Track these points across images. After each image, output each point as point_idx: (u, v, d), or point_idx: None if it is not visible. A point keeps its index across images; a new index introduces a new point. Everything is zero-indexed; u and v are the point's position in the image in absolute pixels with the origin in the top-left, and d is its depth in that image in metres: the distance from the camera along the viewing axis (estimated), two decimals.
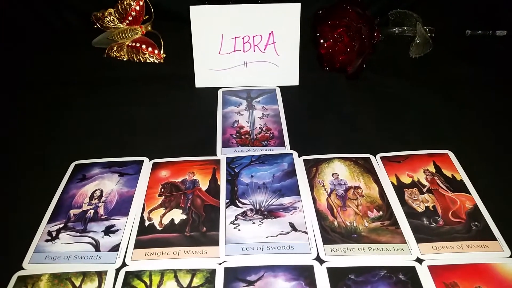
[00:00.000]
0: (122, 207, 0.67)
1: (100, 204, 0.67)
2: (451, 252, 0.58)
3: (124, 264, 0.59)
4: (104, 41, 1.08)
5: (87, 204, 0.67)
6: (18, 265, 0.59)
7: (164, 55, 1.04)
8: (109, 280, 0.57)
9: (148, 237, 0.62)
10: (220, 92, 0.93)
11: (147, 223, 0.64)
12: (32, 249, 0.61)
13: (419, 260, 0.58)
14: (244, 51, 0.93)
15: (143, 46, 1.04)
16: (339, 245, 0.60)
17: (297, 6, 0.88)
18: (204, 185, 0.70)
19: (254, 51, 0.93)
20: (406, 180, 0.70)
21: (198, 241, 0.61)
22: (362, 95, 0.92)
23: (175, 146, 0.79)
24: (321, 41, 0.97)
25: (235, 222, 0.64)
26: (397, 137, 0.79)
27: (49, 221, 0.65)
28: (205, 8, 0.90)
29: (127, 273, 0.57)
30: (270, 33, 0.91)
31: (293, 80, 0.95)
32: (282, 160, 0.74)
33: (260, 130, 0.82)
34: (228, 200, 0.67)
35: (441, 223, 0.63)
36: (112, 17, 1.06)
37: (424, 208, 0.65)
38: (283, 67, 0.94)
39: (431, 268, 0.56)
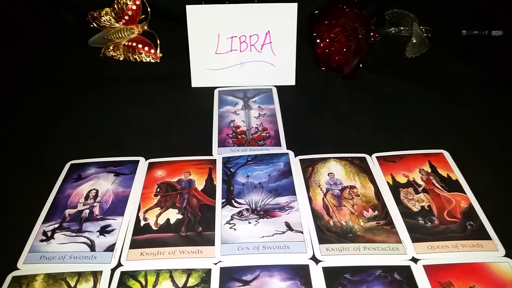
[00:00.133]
0: (118, 207, 0.67)
1: (95, 204, 0.67)
2: (446, 252, 0.59)
3: (119, 264, 0.59)
4: (100, 41, 1.08)
5: (82, 204, 0.67)
6: (13, 265, 0.59)
7: (161, 55, 1.04)
8: (105, 280, 0.56)
9: (143, 237, 0.62)
10: (216, 91, 0.93)
11: (142, 223, 0.64)
12: (27, 249, 0.61)
13: (414, 260, 0.58)
14: (240, 50, 0.93)
15: (140, 46, 1.04)
16: (335, 245, 0.60)
17: (294, 6, 0.88)
18: (200, 185, 0.70)
19: (250, 51, 0.93)
20: (402, 179, 0.70)
21: (193, 241, 0.61)
22: (359, 95, 0.92)
23: (171, 145, 0.79)
24: (318, 41, 0.97)
25: (231, 221, 0.64)
26: (393, 137, 0.80)
27: (44, 221, 0.65)
28: (202, 7, 0.90)
29: (122, 273, 0.57)
30: (266, 33, 0.91)
31: (290, 80, 0.95)
32: (278, 160, 0.74)
33: (256, 130, 0.82)
34: (224, 200, 0.67)
35: (436, 222, 0.63)
36: (108, 16, 1.05)
37: (419, 208, 0.65)
38: (279, 66, 0.94)
39: (426, 268, 0.57)
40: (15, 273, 0.58)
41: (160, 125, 0.85)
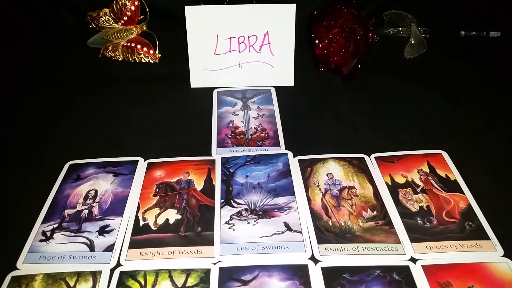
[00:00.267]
0: (117, 207, 0.67)
1: (94, 204, 0.67)
2: (445, 252, 0.59)
3: (118, 264, 0.59)
4: (99, 41, 1.08)
5: (81, 204, 0.67)
6: (12, 265, 0.59)
7: (159, 55, 1.04)
8: (104, 280, 0.56)
9: (142, 237, 0.62)
10: (215, 92, 0.93)
11: (141, 223, 0.64)
12: (26, 249, 0.61)
13: (413, 260, 0.58)
14: (239, 51, 0.93)
15: (138, 46, 1.04)
16: (334, 245, 0.60)
17: (292, 6, 0.88)
18: (199, 185, 0.70)
19: (249, 52, 0.93)
20: (400, 180, 0.70)
21: (192, 241, 0.61)
22: (357, 96, 0.92)
23: (170, 146, 0.79)
24: (316, 41, 0.97)
25: (230, 222, 0.64)
26: (392, 137, 0.80)
27: (44, 221, 0.65)
28: (201, 8, 0.90)
29: (121, 273, 0.57)
30: (265, 34, 0.91)
31: (288, 80, 0.95)
32: (277, 160, 0.74)
33: (255, 130, 0.82)
34: (223, 200, 0.67)
35: (435, 222, 0.63)
36: (107, 17, 1.05)
37: (418, 208, 0.65)
38: (278, 67, 0.94)
39: (425, 268, 0.57)
40: (14, 273, 0.58)
41: (159, 126, 0.85)
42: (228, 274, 0.56)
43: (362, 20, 0.93)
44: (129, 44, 1.05)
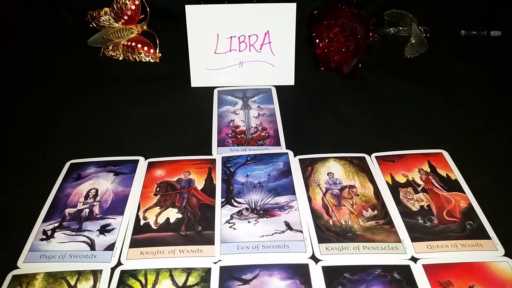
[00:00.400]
0: (117, 206, 0.67)
1: (95, 203, 0.67)
2: (445, 251, 0.59)
3: (119, 263, 0.59)
4: (99, 40, 1.08)
5: (82, 203, 0.67)
6: (13, 264, 0.59)
7: (160, 55, 1.04)
8: (104, 279, 0.56)
9: (143, 236, 0.62)
10: (215, 91, 0.93)
11: (142, 222, 0.64)
12: (27, 248, 0.61)
13: (414, 259, 0.58)
14: (239, 50, 0.93)
15: (139, 46, 1.04)
16: (334, 244, 0.60)
17: (293, 6, 0.88)
18: (199, 184, 0.70)
19: (249, 51, 0.93)
20: (401, 179, 0.70)
21: (193, 240, 0.61)
22: (358, 95, 0.92)
23: (170, 145, 0.79)
24: (317, 41, 0.97)
25: (231, 221, 0.64)
26: (392, 137, 0.80)
27: (44, 220, 0.65)
28: (201, 7, 0.90)
29: (122, 272, 0.57)
30: (265, 33, 0.91)
31: (289, 79, 0.95)
32: (278, 160, 0.74)
33: (255, 130, 0.82)
34: (223, 199, 0.67)
35: (435, 222, 0.63)
36: (107, 16, 1.05)
37: (418, 207, 0.65)
38: (278, 66, 0.94)
39: (426, 267, 0.57)
40: (15, 272, 0.58)
41: (160, 125, 0.85)
42: (228, 273, 0.57)
43: (363, 20, 0.93)
44: (129, 43, 1.05)
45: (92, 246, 0.61)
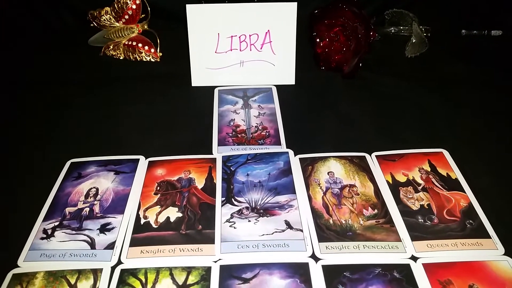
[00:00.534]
0: (118, 205, 0.67)
1: (95, 202, 0.67)
2: (445, 250, 0.59)
3: (119, 262, 0.59)
4: (100, 40, 1.08)
5: (82, 202, 0.67)
6: (13, 262, 0.59)
7: (161, 54, 1.04)
8: (105, 277, 0.57)
9: (143, 235, 0.62)
10: (216, 90, 0.93)
11: (142, 221, 0.64)
12: (28, 247, 0.61)
13: (414, 258, 0.58)
14: (240, 50, 0.93)
15: (140, 45, 1.04)
16: (334, 243, 0.60)
17: (294, 5, 0.88)
18: (200, 183, 0.70)
19: (250, 50, 0.93)
20: (401, 178, 0.70)
21: (193, 239, 0.61)
22: (358, 94, 0.92)
23: (171, 144, 0.79)
24: (317, 40, 0.97)
25: (231, 220, 0.64)
26: (393, 136, 0.80)
27: (45, 219, 0.65)
28: (202, 7, 0.90)
29: (122, 270, 0.57)
30: (266, 32, 0.91)
31: (289, 79, 0.95)
32: (278, 159, 0.74)
33: (256, 129, 0.82)
34: (224, 198, 0.67)
35: (435, 221, 0.63)
36: (108, 15, 1.06)
37: (419, 206, 0.65)
38: (279, 66, 0.94)
39: (426, 266, 0.57)
40: (15, 271, 0.58)
41: (160, 124, 0.85)
42: (228, 272, 0.57)
43: (363, 19, 0.93)
44: (130, 42, 1.05)
45: (92, 245, 0.61)
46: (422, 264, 0.57)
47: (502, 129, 0.82)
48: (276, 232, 0.62)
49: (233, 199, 0.67)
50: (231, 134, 0.80)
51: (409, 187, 0.68)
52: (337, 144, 0.78)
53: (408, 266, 0.57)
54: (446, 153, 0.74)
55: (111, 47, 1.06)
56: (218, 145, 0.78)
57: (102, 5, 1.06)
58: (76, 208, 0.66)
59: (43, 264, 0.59)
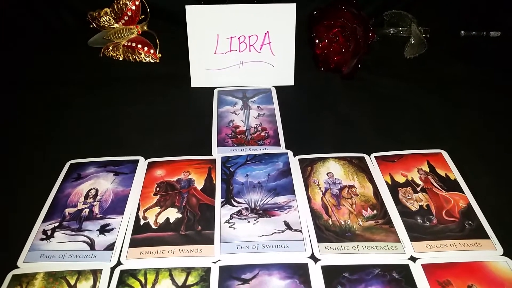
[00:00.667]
0: (117, 206, 0.67)
1: (95, 203, 0.67)
2: (444, 251, 0.59)
3: (119, 263, 0.59)
4: (100, 41, 1.08)
5: (82, 203, 0.67)
6: (13, 263, 0.59)
7: (160, 55, 1.04)
8: (104, 278, 0.57)
9: (143, 236, 0.62)
10: (215, 91, 0.93)
11: (142, 222, 0.64)
12: (27, 248, 0.61)
13: (413, 259, 0.58)
14: (239, 51, 0.93)
15: (139, 46, 1.04)
16: (334, 244, 0.60)
17: (293, 6, 0.89)
18: (199, 184, 0.70)
19: (249, 51, 0.93)
20: (400, 179, 0.70)
21: (193, 240, 0.61)
22: (357, 95, 0.92)
23: (170, 145, 0.79)
24: (317, 41, 0.97)
25: (230, 221, 0.64)
26: (392, 137, 0.80)
27: (44, 220, 0.65)
28: (201, 8, 0.90)
29: (122, 271, 0.57)
30: (265, 33, 0.91)
31: (289, 80, 0.95)
32: (277, 160, 0.74)
33: (255, 130, 0.82)
34: (223, 199, 0.67)
35: (434, 221, 0.63)
36: (108, 16, 1.06)
37: (418, 207, 0.65)
38: (278, 67, 0.94)
39: (425, 267, 0.57)
40: (15, 272, 0.58)
41: (160, 125, 0.85)
42: (228, 272, 0.57)
43: (362, 20, 0.93)
44: (129, 43, 1.05)
45: (92, 245, 0.61)
46: (421, 264, 0.57)
47: (501, 129, 0.82)
48: (275, 232, 0.62)
49: (232, 200, 0.67)
50: (230, 135, 0.81)
51: (408, 187, 0.68)
52: (336, 145, 0.78)
53: (407, 266, 0.57)
54: (445, 154, 0.74)
55: (111, 48, 1.06)
56: (218, 146, 0.78)
57: (102, 5, 1.06)
58: (75, 209, 0.67)
59: (42, 265, 0.59)
